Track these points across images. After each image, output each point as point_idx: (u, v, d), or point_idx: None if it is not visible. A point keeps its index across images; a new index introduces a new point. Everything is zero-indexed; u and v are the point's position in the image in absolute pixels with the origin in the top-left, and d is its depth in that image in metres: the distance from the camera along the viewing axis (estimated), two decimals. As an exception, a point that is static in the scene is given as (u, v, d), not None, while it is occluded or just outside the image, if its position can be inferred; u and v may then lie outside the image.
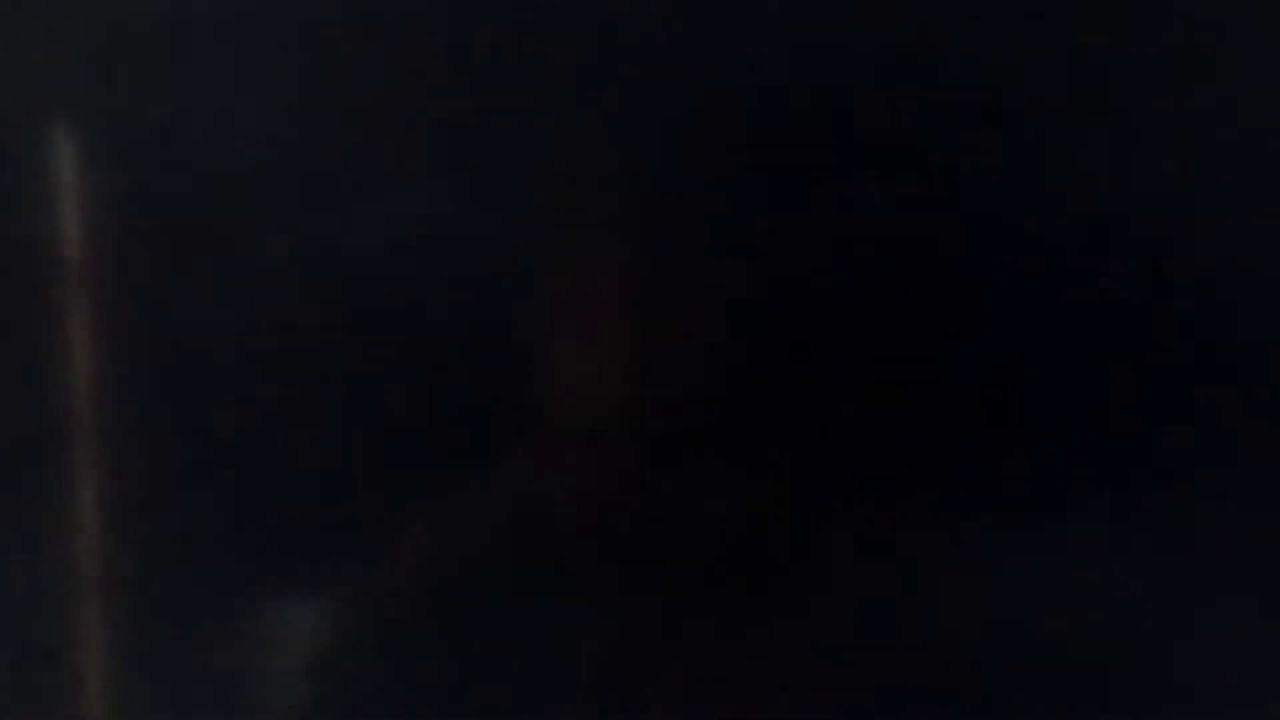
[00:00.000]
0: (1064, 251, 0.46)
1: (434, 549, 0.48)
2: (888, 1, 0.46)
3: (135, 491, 0.49)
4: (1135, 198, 0.46)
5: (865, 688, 0.47)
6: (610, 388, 0.47)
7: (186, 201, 0.48)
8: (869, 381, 0.47)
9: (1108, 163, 0.46)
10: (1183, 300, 0.46)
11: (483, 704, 0.48)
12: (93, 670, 0.49)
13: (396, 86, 0.47)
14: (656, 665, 0.48)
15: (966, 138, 0.46)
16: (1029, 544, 0.47)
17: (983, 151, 0.46)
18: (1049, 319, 0.46)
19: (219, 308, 0.48)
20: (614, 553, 0.47)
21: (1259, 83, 0.46)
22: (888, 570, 0.47)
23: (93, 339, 0.49)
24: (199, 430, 0.48)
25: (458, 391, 0.47)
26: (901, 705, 0.47)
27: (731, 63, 0.46)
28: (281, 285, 0.48)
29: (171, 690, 0.49)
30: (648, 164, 0.46)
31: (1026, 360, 0.47)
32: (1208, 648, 0.47)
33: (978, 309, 0.46)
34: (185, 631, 0.49)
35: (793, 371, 0.47)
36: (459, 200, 0.47)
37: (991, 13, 0.46)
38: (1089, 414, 0.47)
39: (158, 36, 0.48)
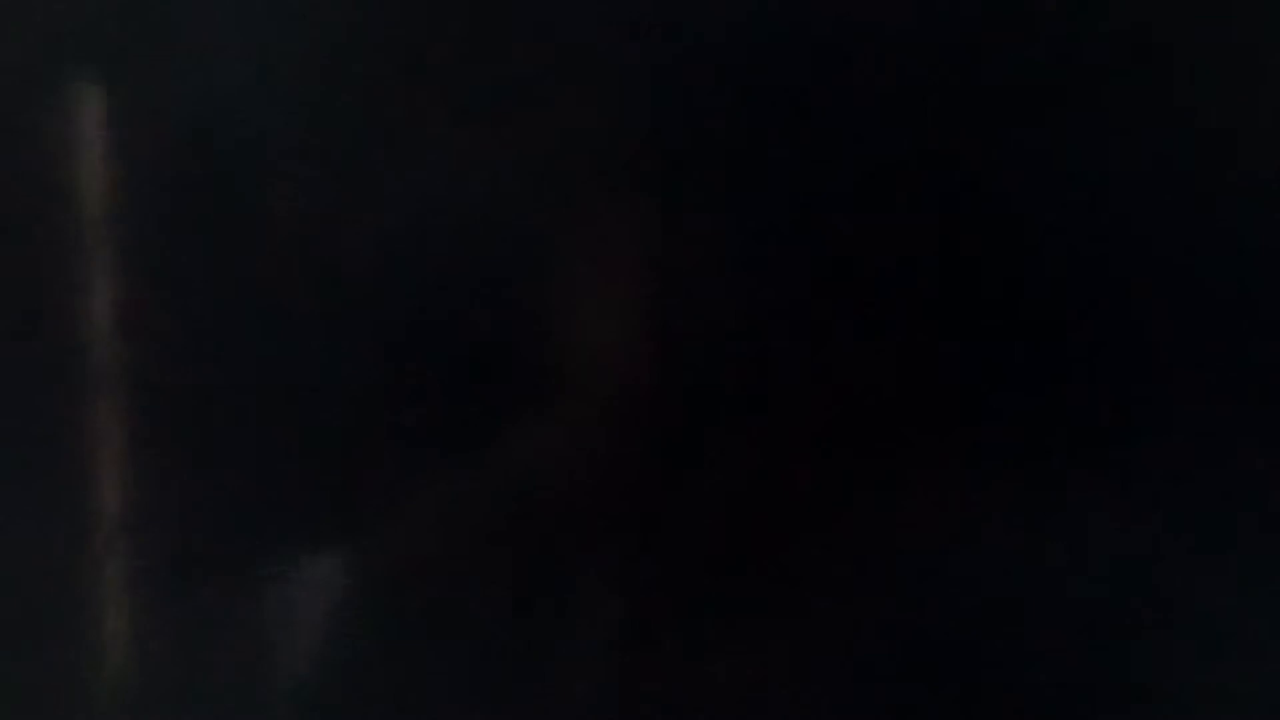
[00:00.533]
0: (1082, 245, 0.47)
1: (448, 528, 0.48)
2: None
3: (156, 458, 0.49)
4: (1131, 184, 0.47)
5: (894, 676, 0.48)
6: (626, 362, 0.47)
7: (211, 160, 0.48)
8: (885, 363, 0.47)
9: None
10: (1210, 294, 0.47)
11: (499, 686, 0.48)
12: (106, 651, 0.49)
13: (424, 49, 0.48)
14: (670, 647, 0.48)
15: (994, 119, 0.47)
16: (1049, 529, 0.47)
17: (1011, 132, 0.47)
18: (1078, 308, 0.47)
19: (241, 271, 0.48)
20: (635, 531, 0.48)
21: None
22: (907, 557, 0.47)
23: (114, 300, 0.49)
24: (220, 397, 0.48)
25: (477, 363, 0.48)
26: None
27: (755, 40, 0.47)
28: (306, 246, 0.48)
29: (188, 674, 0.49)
30: (664, 137, 0.47)
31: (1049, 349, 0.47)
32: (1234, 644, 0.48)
33: (1007, 283, 0.47)
34: (214, 605, 0.49)
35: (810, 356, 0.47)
36: (483, 168, 0.47)
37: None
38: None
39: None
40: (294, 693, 0.49)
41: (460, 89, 0.47)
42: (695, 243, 0.47)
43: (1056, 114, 0.46)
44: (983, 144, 0.47)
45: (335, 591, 0.49)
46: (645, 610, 0.48)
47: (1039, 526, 0.47)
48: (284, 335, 0.48)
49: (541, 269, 0.47)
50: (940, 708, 0.47)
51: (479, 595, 0.48)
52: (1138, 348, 0.47)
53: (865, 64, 0.46)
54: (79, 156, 0.49)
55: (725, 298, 0.47)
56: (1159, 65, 0.47)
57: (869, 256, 0.47)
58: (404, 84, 0.48)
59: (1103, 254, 0.47)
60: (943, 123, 0.46)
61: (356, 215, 0.48)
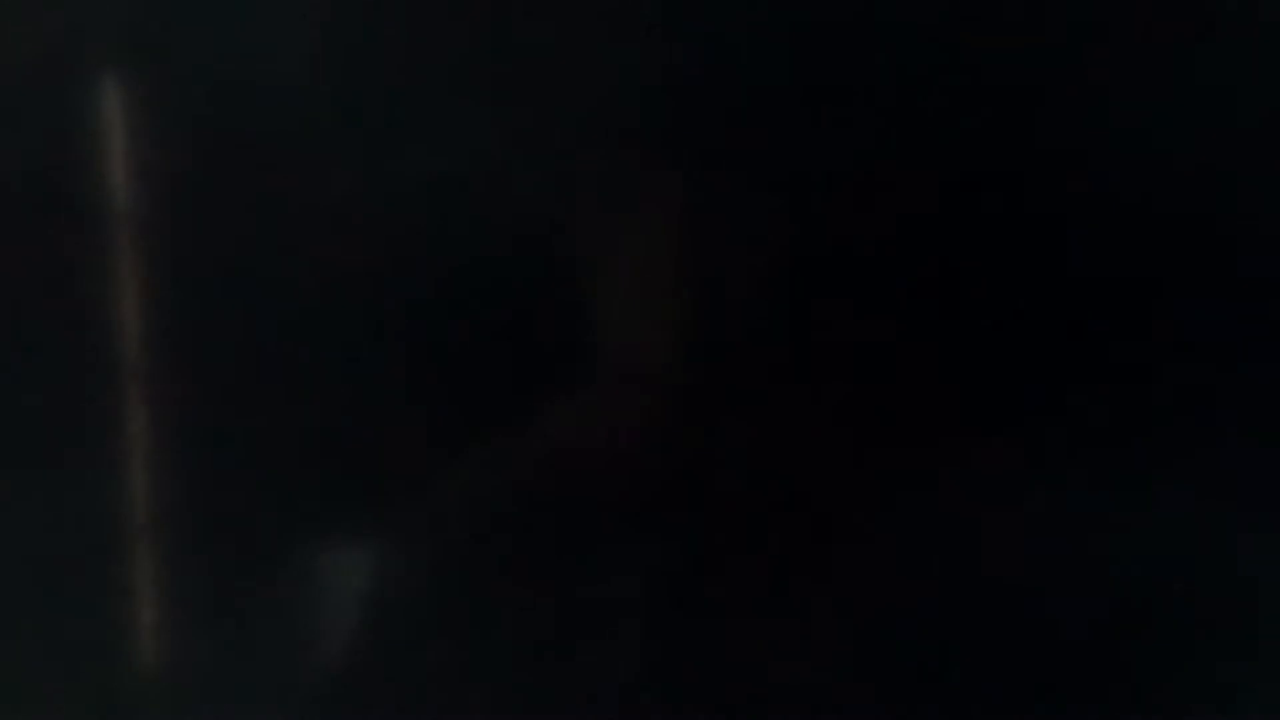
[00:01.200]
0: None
1: (483, 501, 0.48)
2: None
3: (188, 443, 0.49)
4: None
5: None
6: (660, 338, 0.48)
7: (237, 145, 0.48)
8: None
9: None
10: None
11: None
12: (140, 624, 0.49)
13: (449, 25, 0.48)
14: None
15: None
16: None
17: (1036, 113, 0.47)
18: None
19: (270, 255, 0.48)
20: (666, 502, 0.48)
21: None
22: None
23: (142, 288, 0.49)
24: (252, 378, 0.48)
25: (509, 339, 0.48)
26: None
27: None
28: (334, 229, 0.48)
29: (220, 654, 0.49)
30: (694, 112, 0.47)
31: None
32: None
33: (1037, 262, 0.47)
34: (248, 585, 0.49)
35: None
36: (511, 143, 0.47)
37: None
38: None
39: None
40: (325, 682, 0.50)
41: (482, 75, 0.48)
42: (725, 230, 0.48)
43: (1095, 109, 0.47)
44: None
45: (367, 580, 0.49)
46: (679, 594, 0.48)
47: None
48: (314, 324, 0.48)
49: (573, 254, 0.48)
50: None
51: (510, 581, 0.49)
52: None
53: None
54: (107, 150, 0.49)
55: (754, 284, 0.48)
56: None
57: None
58: (425, 69, 0.48)
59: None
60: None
61: (383, 201, 0.48)
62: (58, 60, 0.49)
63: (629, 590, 0.48)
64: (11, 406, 0.49)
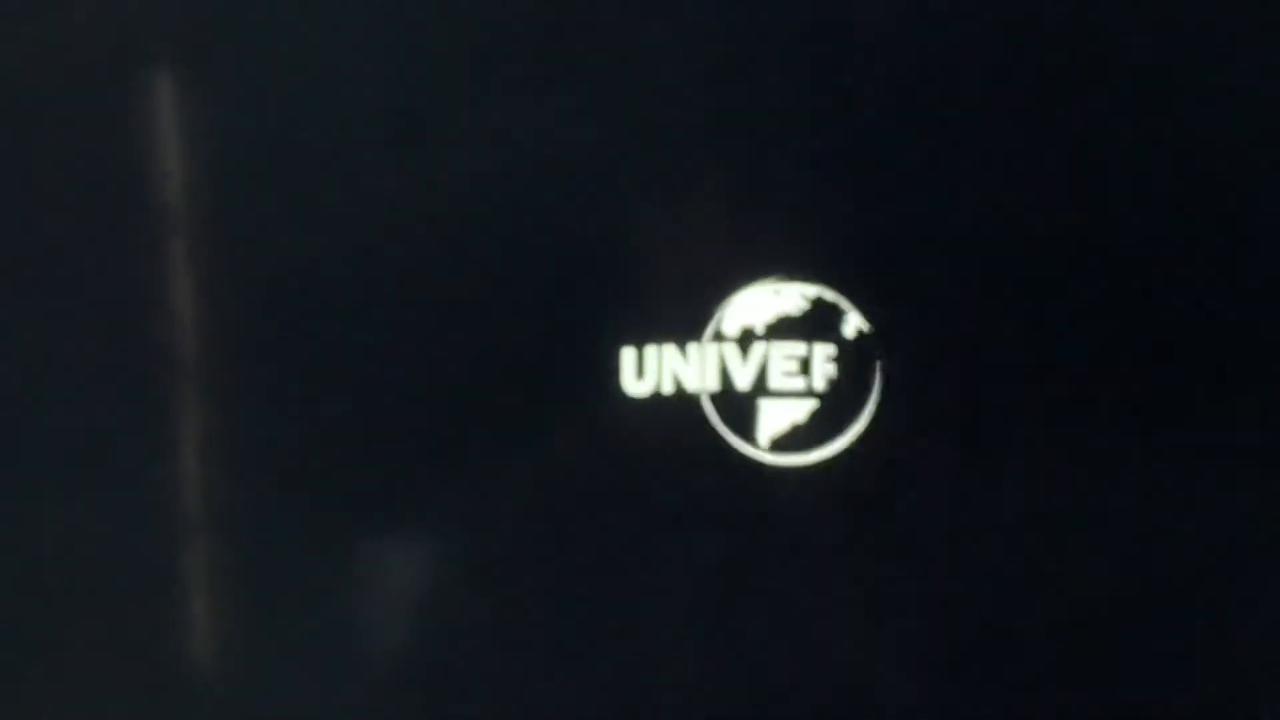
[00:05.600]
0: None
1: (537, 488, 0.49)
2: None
3: (241, 434, 0.50)
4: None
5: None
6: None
7: (287, 140, 0.49)
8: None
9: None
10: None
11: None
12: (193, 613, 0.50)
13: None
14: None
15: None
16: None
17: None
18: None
19: (319, 246, 0.49)
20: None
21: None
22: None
23: (194, 282, 0.50)
24: (304, 365, 0.49)
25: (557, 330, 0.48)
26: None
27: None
28: (382, 222, 0.49)
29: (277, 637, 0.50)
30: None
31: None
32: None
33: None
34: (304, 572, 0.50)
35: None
36: (559, 135, 0.48)
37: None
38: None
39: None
40: (375, 682, 0.51)
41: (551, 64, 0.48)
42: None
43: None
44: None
45: (416, 580, 0.50)
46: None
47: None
48: (359, 322, 0.49)
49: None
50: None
51: (561, 584, 0.49)
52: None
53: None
54: (165, 148, 0.49)
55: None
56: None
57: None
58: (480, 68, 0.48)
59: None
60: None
61: (428, 205, 0.48)
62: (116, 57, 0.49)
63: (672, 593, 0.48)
64: (64, 404, 0.50)
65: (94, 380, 0.50)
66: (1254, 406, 0.47)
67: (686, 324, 0.48)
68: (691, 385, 0.48)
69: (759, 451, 0.48)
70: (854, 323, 0.47)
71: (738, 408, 0.48)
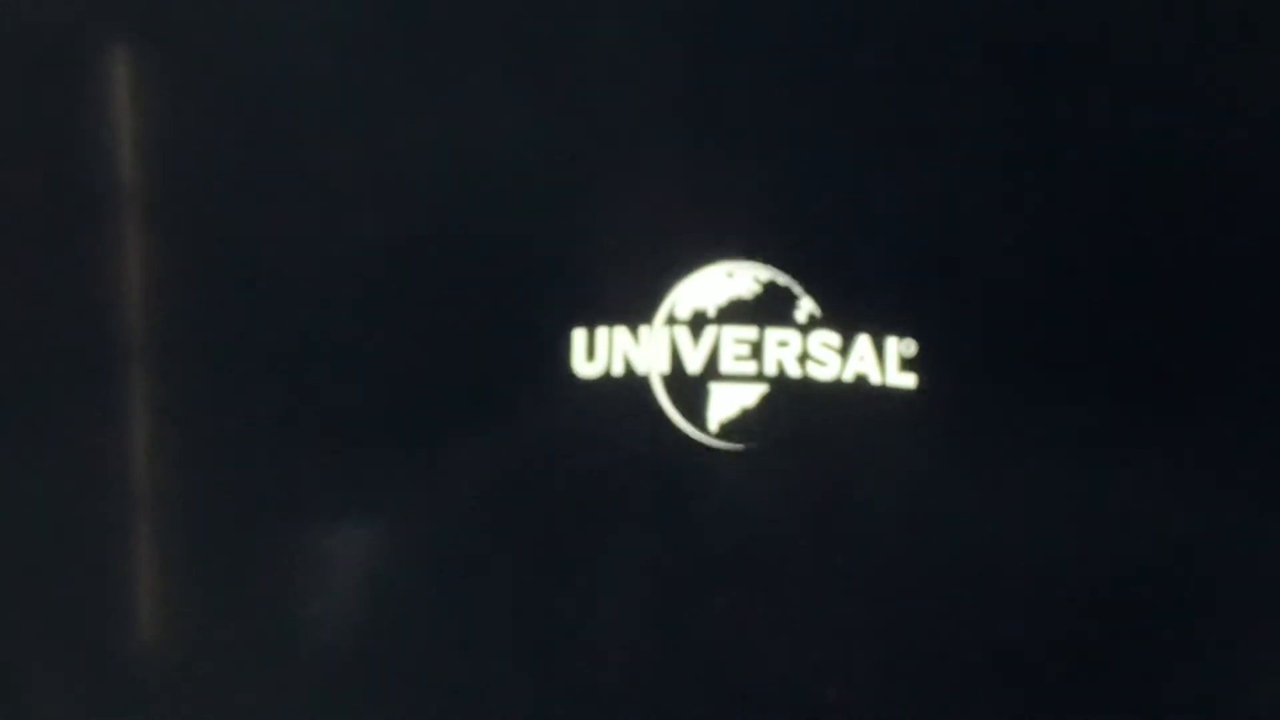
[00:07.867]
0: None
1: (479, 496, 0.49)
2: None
3: (188, 417, 0.49)
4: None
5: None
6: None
7: (239, 121, 0.49)
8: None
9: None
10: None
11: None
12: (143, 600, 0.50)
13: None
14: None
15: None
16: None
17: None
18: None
19: (268, 228, 0.49)
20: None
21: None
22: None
23: (142, 262, 0.49)
24: (251, 348, 0.49)
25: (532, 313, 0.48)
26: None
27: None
28: (332, 204, 0.49)
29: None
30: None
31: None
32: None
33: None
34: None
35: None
36: (545, 121, 0.48)
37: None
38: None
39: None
40: (323, 667, 0.50)
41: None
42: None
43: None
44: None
45: (364, 562, 0.49)
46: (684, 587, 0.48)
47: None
48: (306, 304, 0.49)
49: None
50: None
51: (510, 567, 0.49)
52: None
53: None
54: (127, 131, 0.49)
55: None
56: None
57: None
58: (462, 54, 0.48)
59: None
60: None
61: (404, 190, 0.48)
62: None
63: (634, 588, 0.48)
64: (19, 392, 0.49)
65: (40, 360, 0.49)
66: (1245, 406, 0.48)
67: (638, 306, 0.47)
68: (642, 368, 0.47)
69: (708, 436, 0.47)
70: (806, 307, 0.47)
71: (688, 391, 0.47)
